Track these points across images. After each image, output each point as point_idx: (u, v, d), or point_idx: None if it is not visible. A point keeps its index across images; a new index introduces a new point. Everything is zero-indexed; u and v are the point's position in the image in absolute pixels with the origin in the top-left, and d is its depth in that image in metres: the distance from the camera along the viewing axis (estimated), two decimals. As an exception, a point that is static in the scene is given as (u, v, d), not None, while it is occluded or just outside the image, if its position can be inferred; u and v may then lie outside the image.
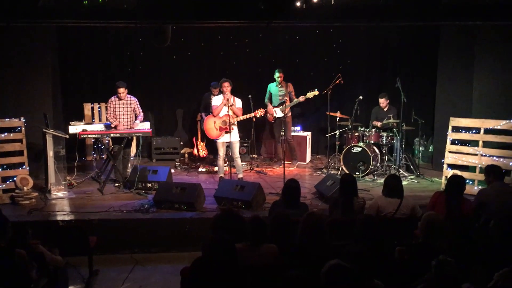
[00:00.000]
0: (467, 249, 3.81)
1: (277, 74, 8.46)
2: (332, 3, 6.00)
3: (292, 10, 6.00)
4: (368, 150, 7.75)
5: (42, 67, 7.91)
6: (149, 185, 7.05)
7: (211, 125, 7.40)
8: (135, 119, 7.51)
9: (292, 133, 8.99)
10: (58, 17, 6.10)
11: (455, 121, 7.26)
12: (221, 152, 7.43)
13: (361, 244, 3.52)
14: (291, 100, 8.46)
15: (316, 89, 8.29)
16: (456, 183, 4.98)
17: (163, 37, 6.90)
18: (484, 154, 6.92)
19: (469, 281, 3.26)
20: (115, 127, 7.35)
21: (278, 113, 8.55)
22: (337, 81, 8.36)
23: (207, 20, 6.16)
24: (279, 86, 8.51)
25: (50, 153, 6.78)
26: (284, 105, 8.34)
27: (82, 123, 8.13)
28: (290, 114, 8.65)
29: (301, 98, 8.33)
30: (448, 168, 7.23)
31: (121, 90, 7.34)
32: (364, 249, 3.30)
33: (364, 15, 6.23)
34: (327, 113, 8.51)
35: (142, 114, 7.61)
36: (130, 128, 7.40)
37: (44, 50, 7.97)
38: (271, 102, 8.70)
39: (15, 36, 7.51)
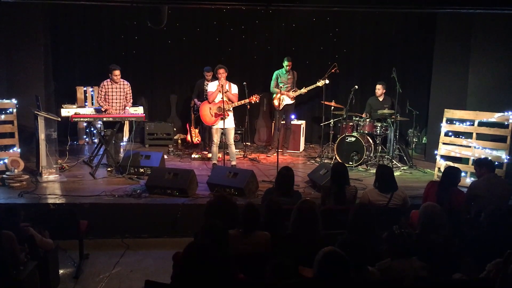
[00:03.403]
0: (458, 240, 3.83)
1: (286, 63, 8.45)
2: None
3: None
4: (362, 140, 7.75)
5: (34, 48, 7.82)
6: (141, 170, 7.01)
7: (206, 111, 7.35)
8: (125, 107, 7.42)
9: (291, 122, 9.00)
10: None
11: (449, 113, 7.27)
12: (216, 138, 7.39)
13: (353, 233, 3.52)
14: (299, 88, 8.57)
15: (326, 78, 8.31)
16: (450, 174, 4.99)
17: (159, 18, 6.78)
18: (477, 146, 6.94)
19: (460, 272, 3.29)
20: (105, 111, 7.26)
21: (286, 100, 8.52)
22: (333, 70, 8.34)
23: (205, 1, 6.06)
24: (288, 73, 8.47)
25: (42, 136, 6.70)
26: (296, 91, 8.43)
27: (74, 106, 8.08)
28: (294, 102, 8.68)
29: (312, 86, 8.46)
30: (441, 160, 7.25)
31: (117, 72, 7.22)
32: (357, 238, 3.31)
33: (362, 0, 6.17)
34: (322, 102, 8.48)
35: (131, 101, 7.51)
36: (122, 112, 7.31)
37: (37, 30, 7.87)
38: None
39: (7, 15, 7.38)
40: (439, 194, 4.85)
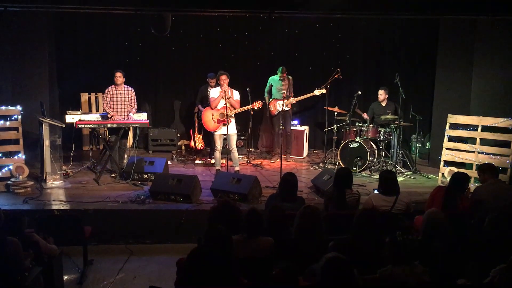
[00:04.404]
0: (462, 245, 3.82)
1: (279, 74, 8.47)
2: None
3: (294, 0, 5.96)
4: (365, 146, 7.74)
5: (39, 55, 7.87)
6: (145, 176, 7.03)
7: (209, 117, 7.38)
8: (129, 112, 7.48)
9: (290, 127, 9.00)
10: (57, 2, 6.03)
11: (453, 118, 7.27)
12: (218, 144, 7.41)
13: (357, 238, 3.51)
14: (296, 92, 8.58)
15: (323, 88, 8.35)
16: (458, 180, 4.96)
17: (163, 25, 6.84)
18: (481, 152, 6.93)
19: (464, 277, 3.28)
20: (111, 118, 7.31)
21: (282, 106, 8.54)
22: (336, 76, 8.36)
23: (208, 8, 6.11)
24: (281, 80, 8.50)
25: (46, 142, 6.75)
26: (288, 99, 8.36)
27: (79, 112, 8.12)
28: (290, 108, 8.67)
29: (308, 95, 8.47)
30: (445, 165, 7.23)
31: (118, 74, 7.33)
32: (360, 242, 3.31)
33: (365, 7, 6.20)
34: (325, 107, 8.50)
35: (135, 107, 7.57)
36: (126, 118, 7.37)
37: (41, 37, 7.92)
38: (270, 96, 8.68)
39: (12, 22, 7.44)
40: (446, 199, 4.82)
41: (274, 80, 8.62)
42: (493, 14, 6.05)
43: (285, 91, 8.37)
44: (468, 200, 4.98)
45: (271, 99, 8.66)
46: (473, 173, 6.88)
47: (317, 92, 8.41)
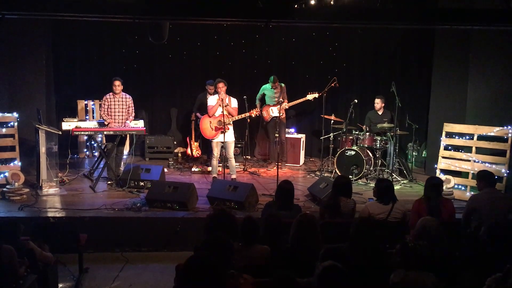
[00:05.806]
0: (458, 254, 3.82)
1: (270, 84, 8.50)
2: (332, 3, 6.02)
3: (291, 10, 6.01)
4: (361, 154, 7.76)
5: (36, 62, 7.87)
6: (141, 183, 7.02)
7: (207, 125, 7.39)
8: (127, 120, 7.48)
9: (286, 135, 9.01)
10: (54, 10, 6.06)
11: (448, 127, 7.30)
12: (216, 152, 7.41)
13: (355, 246, 3.51)
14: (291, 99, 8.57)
15: (316, 92, 8.36)
16: (435, 186, 4.95)
17: (160, 33, 6.87)
18: (477, 160, 6.96)
19: (460, 286, 3.28)
20: (108, 125, 7.31)
21: (274, 112, 8.54)
22: (332, 84, 8.39)
23: (205, 17, 6.14)
24: (274, 87, 8.53)
25: (43, 149, 6.73)
26: (281, 104, 8.33)
27: (75, 120, 8.12)
28: (284, 115, 8.66)
29: (301, 99, 8.47)
30: (441, 174, 7.26)
31: (117, 83, 7.33)
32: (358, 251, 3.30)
33: (362, 17, 6.26)
34: (322, 115, 8.53)
35: (133, 115, 7.57)
36: (123, 125, 7.36)
37: (38, 44, 7.93)
38: (262, 103, 8.71)
39: (9, 29, 7.45)
40: (430, 208, 4.81)
41: (266, 88, 8.65)
42: (487, 24, 6.09)
43: (276, 99, 8.40)
44: (450, 202, 4.98)
45: (264, 105, 8.70)
46: (468, 182, 6.91)
47: (310, 97, 8.43)
